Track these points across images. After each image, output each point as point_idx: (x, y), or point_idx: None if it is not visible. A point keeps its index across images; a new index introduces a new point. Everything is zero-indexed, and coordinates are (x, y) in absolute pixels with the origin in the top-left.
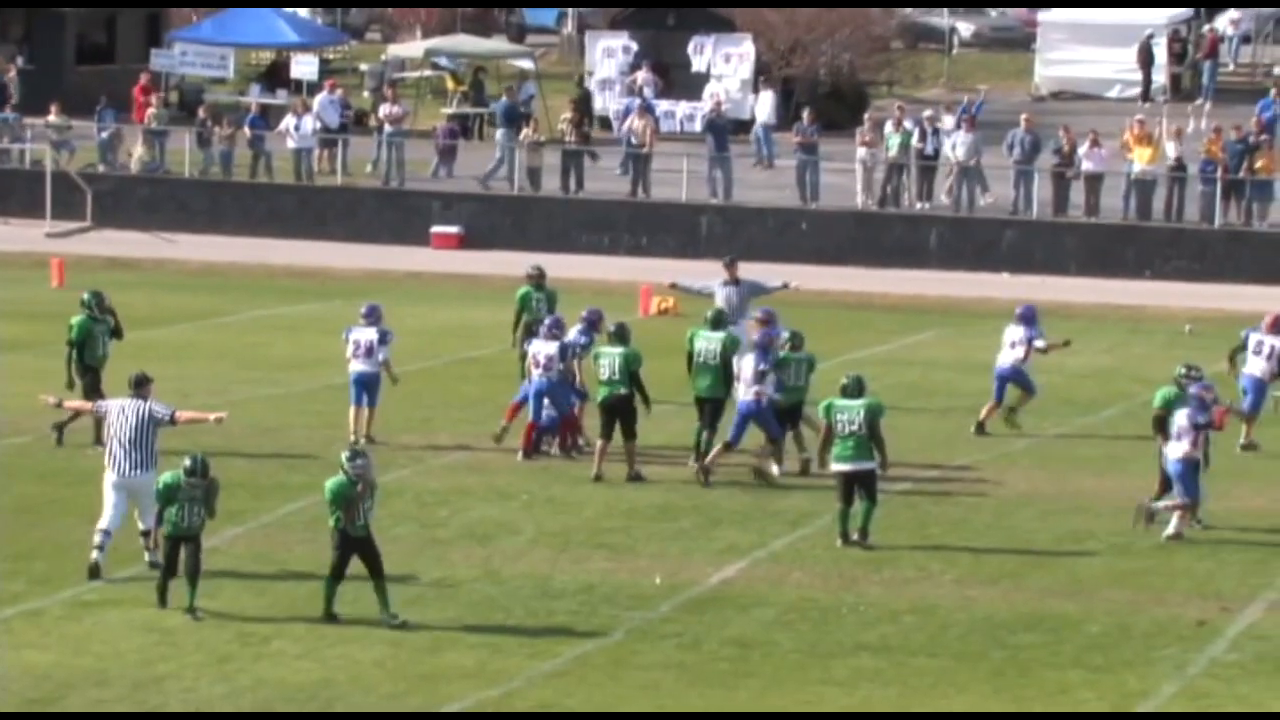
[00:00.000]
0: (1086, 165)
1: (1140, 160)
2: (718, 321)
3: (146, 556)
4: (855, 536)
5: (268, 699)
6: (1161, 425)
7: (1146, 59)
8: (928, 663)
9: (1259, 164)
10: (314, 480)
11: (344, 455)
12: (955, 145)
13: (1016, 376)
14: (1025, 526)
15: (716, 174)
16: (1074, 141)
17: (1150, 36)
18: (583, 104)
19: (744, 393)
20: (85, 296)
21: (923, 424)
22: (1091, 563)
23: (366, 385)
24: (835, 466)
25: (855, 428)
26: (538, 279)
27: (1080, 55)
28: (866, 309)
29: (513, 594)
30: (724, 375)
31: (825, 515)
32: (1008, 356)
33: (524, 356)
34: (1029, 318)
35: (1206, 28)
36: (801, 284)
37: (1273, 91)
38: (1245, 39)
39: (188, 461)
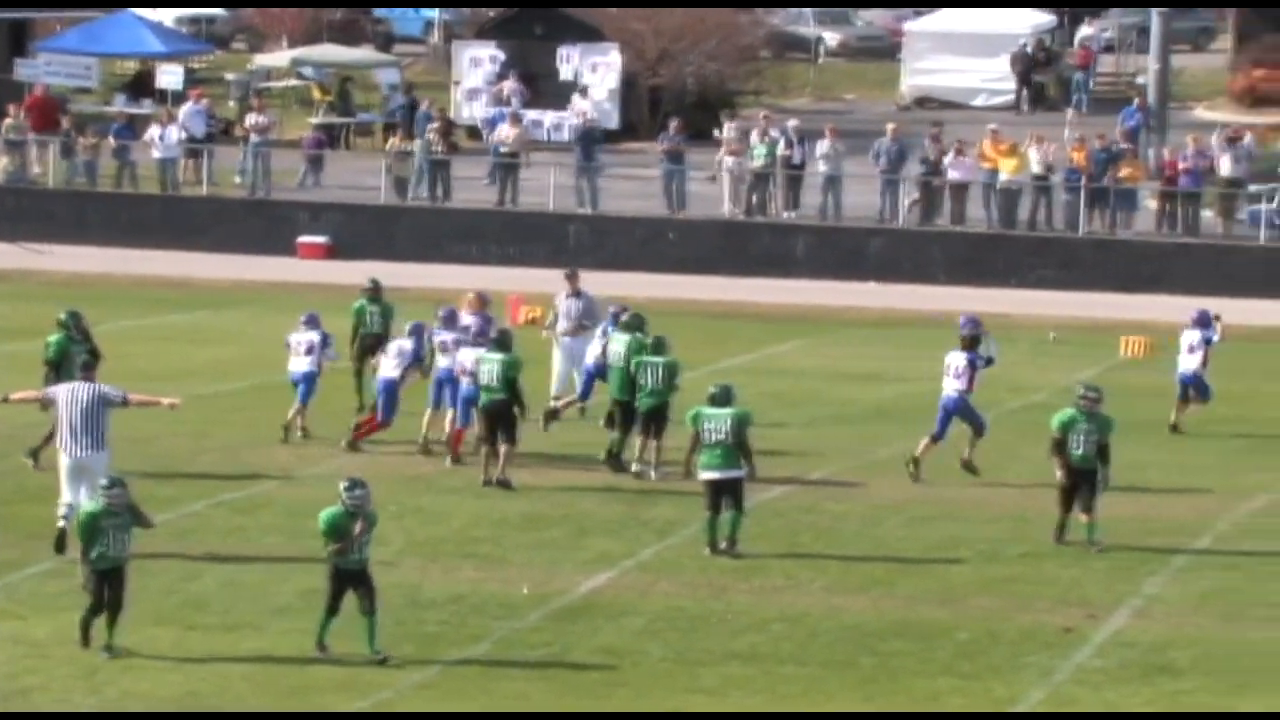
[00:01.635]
0: (952, 174)
1: (1005, 169)
2: (630, 326)
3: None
4: (723, 545)
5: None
6: (1060, 448)
7: (1022, 68)
8: (796, 671)
9: (1123, 172)
10: (182, 492)
11: (342, 486)
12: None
13: (1196, 382)
14: (894, 534)
15: (584, 184)
16: (941, 150)
17: (1025, 45)
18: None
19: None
20: (63, 316)
21: (791, 433)
22: (960, 570)
23: (307, 382)
24: (703, 475)
25: (723, 436)
26: (372, 292)
27: (945, 64)
28: (734, 318)
29: (382, 604)
30: (627, 379)
31: (693, 524)
32: (1189, 362)
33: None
34: (1204, 321)
35: (1078, 38)
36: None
37: (1136, 100)
38: (1108, 48)
39: (103, 480)
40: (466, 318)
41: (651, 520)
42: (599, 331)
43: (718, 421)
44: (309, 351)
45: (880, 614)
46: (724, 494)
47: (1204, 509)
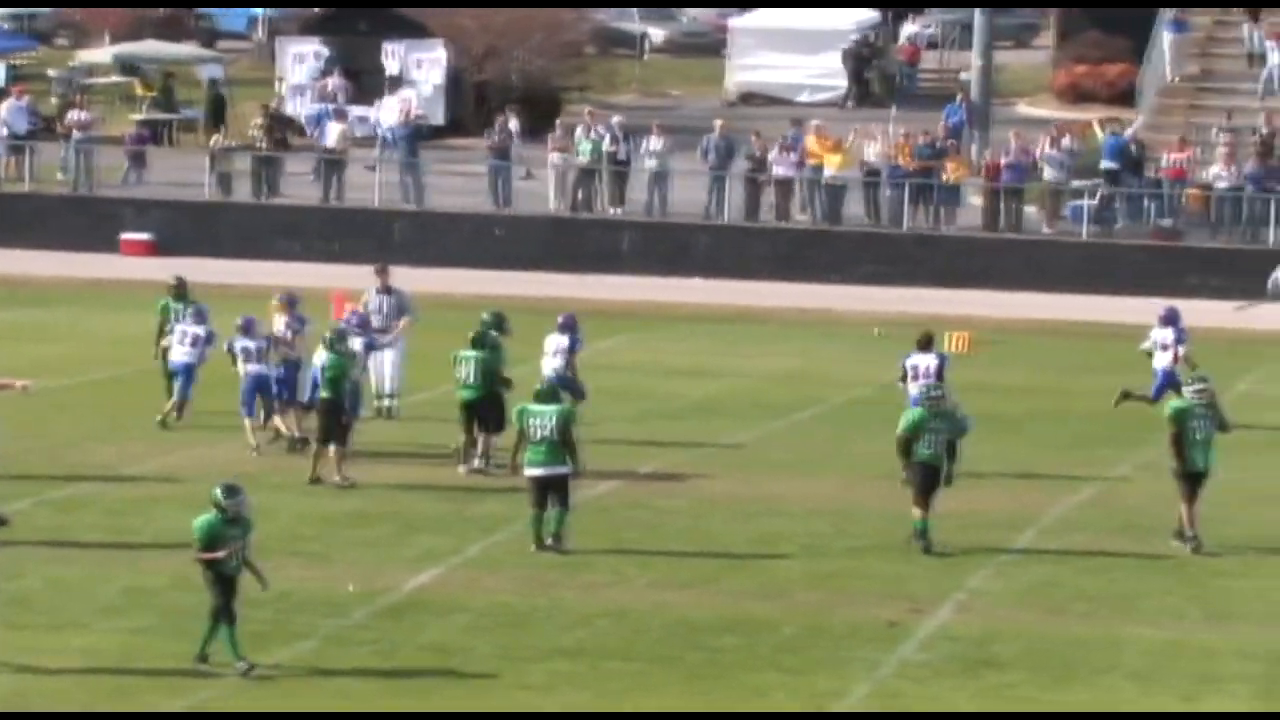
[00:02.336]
0: (777, 170)
1: (830, 165)
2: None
3: None
4: (549, 541)
5: None
6: (907, 449)
7: (852, 64)
8: (623, 666)
9: (947, 169)
10: (5, 490)
11: (218, 491)
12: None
13: (1172, 379)
14: (719, 530)
15: (409, 180)
16: (765, 147)
17: (856, 41)
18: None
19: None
20: None
21: (618, 428)
22: (786, 565)
23: (186, 373)
24: (528, 471)
25: (548, 433)
26: (178, 289)
27: (770, 61)
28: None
29: (207, 602)
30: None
31: (520, 520)
32: (1163, 359)
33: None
34: (1173, 318)
35: (905, 36)
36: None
37: (959, 97)
38: (932, 45)
39: None
40: (279, 322)
41: (478, 517)
42: None
43: (543, 418)
44: (194, 344)
45: (706, 609)
46: (549, 490)
47: (1027, 503)
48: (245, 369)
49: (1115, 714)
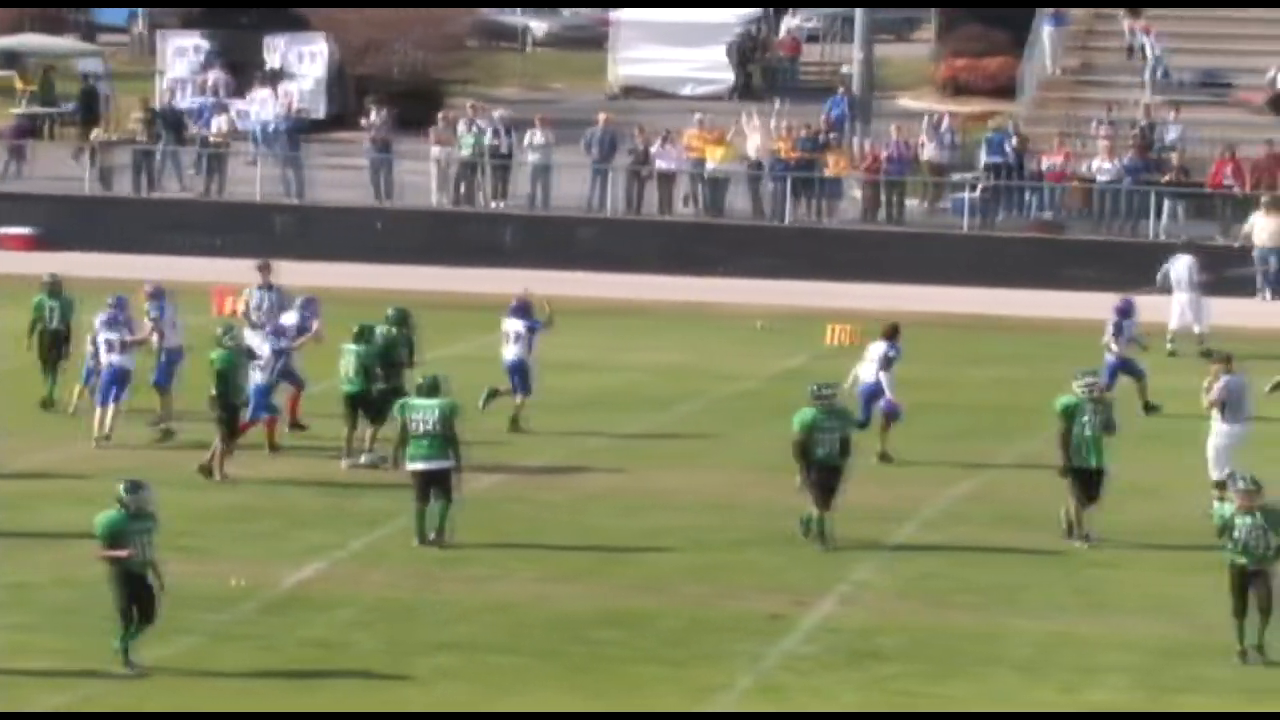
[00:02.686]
0: (660, 164)
1: (713, 158)
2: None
3: None
4: (433, 536)
5: None
6: (804, 448)
7: (737, 58)
8: (507, 660)
9: (829, 162)
10: None
11: (122, 487)
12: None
13: (1128, 365)
14: (603, 523)
15: (290, 173)
16: (648, 140)
17: (739, 35)
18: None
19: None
20: None
21: (501, 422)
22: (669, 558)
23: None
24: (411, 466)
25: (431, 427)
26: (52, 287)
27: (654, 54)
28: (445, 308)
29: (90, 598)
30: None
31: (403, 515)
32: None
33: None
34: (1128, 309)
35: (785, 27)
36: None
37: (841, 90)
38: (814, 38)
39: None
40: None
41: (361, 511)
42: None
43: (425, 412)
44: (123, 350)
45: (589, 603)
46: (432, 485)
47: (910, 495)
48: (108, 360)
49: (999, 714)
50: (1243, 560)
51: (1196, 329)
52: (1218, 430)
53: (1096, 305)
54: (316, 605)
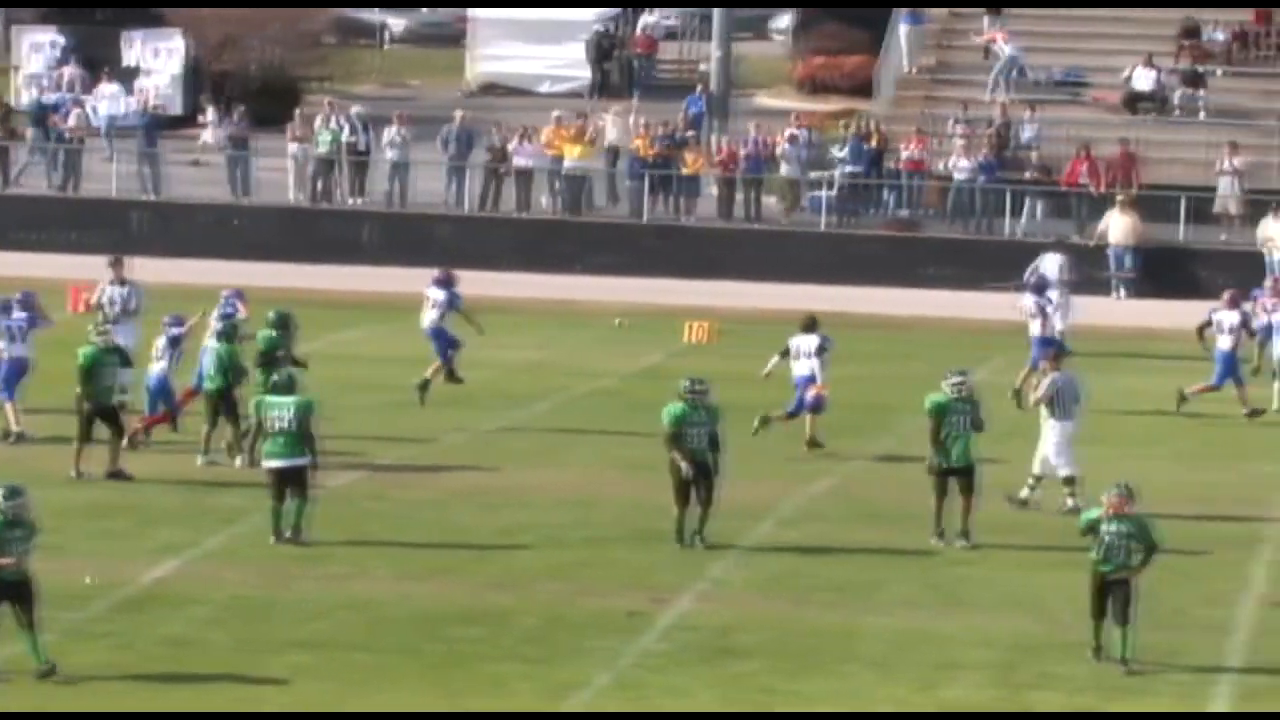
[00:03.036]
0: (518, 161)
1: (571, 156)
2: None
3: None
4: (289, 533)
5: None
6: (677, 441)
7: (595, 55)
8: (364, 658)
9: (687, 159)
10: None
11: None
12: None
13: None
14: (461, 521)
15: (146, 170)
16: (506, 137)
17: (597, 32)
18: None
19: None
20: None
21: (362, 419)
22: (527, 555)
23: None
24: (267, 464)
25: (286, 424)
26: None
27: (512, 51)
28: (301, 305)
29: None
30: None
31: (260, 512)
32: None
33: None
34: (1042, 286)
35: (642, 24)
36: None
37: (699, 88)
38: (671, 35)
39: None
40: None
41: (218, 509)
42: None
43: (281, 409)
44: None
45: (448, 600)
46: (288, 482)
47: (767, 493)
48: (8, 352)
49: (855, 713)
50: (1105, 568)
51: (1058, 326)
52: (1049, 427)
53: (953, 303)
54: (172, 603)
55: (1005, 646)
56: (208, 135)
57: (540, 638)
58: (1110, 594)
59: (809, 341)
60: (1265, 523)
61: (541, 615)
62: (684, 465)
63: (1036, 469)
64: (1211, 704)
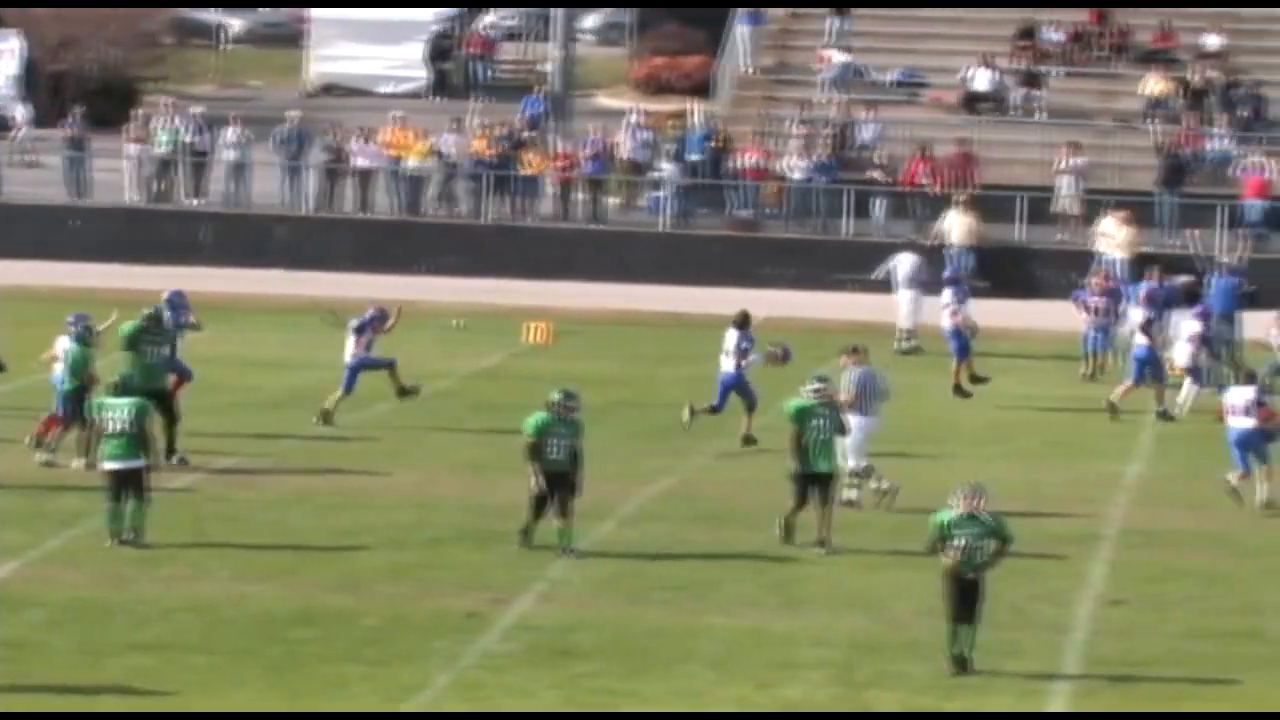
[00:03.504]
0: (358, 161)
1: (411, 156)
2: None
3: None
4: (128, 535)
5: None
6: (535, 451)
7: (433, 55)
8: (203, 659)
9: (527, 160)
10: None
11: None
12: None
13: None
14: (300, 523)
15: None
16: (344, 137)
17: (437, 33)
18: None
19: None
20: None
21: (201, 421)
22: (367, 557)
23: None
24: (105, 465)
25: (124, 426)
26: None
27: (352, 51)
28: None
29: None
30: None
31: (97, 515)
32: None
33: None
34: (958, 281)
35: (482, 25)
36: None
37: (538, 88)
38: (511, 36)
39: None
40: None
41: (57, 511)
42: None
43: (118, 411)
44: None
45: (287, 602)
46: (126, 484)
47: (607, 493)
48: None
49: (693, 714)
50: (966, 569)
51: (905, 325)
52: (851, 423)
53: (792, 303)
54: (9, 605)
55: (844, 646)
56: (22, 134)
57: (380, 639)
58: (966, 594)
59: (732, 339)
60: (1103, 521)
61: (382, 616)
62: (534, 480)
63: (850, 465)
64: (1049, 703)
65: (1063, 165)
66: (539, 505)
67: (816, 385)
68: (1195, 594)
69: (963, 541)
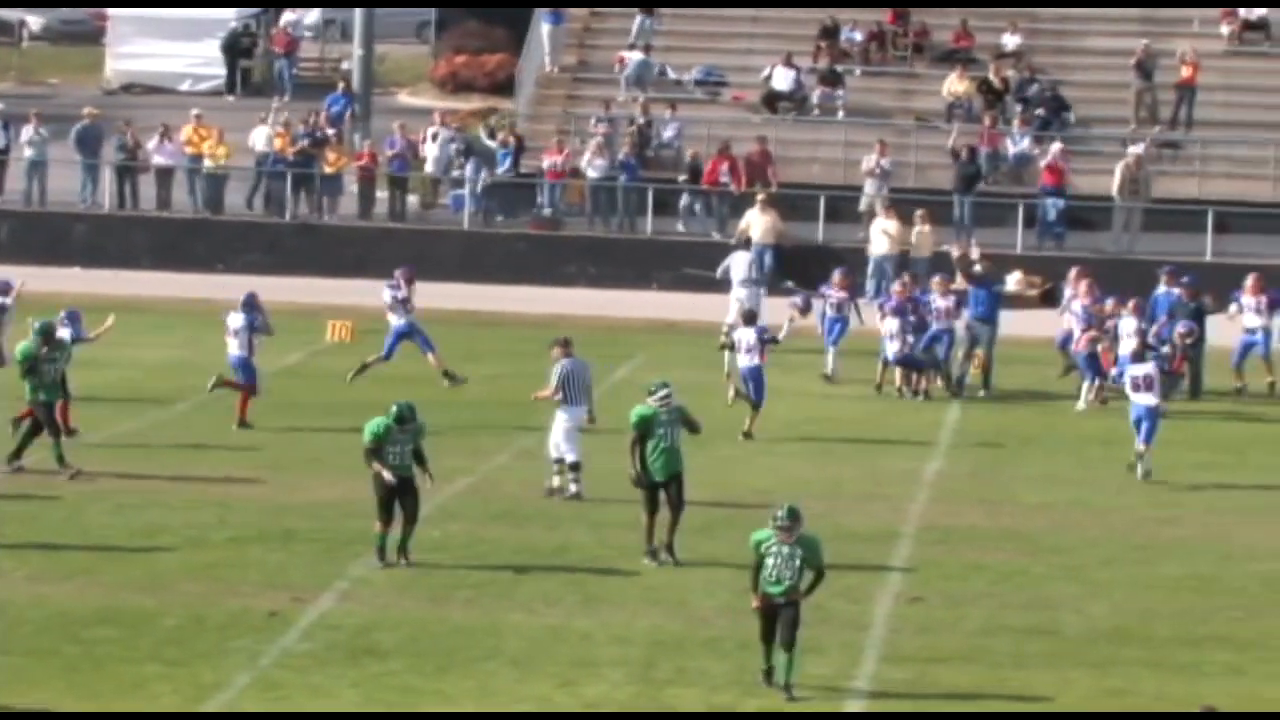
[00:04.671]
0: (157, 159)
1: (211, 154)
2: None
3: None
4: None
5: None
6: (377, 455)
7: (231, 52)
8: (0, 660)
9: (329, 158)
10: None
11: None
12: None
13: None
14: (99, 522)
15: None
16: (138, 135)
17: (236, 31)
18: None
19: None
20: None
21: None
22: (167, 557)
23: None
24: None
25: None
26: None
27: (151, 49)
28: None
29: None
30: None
31: None
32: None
33: None
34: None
35: (284, 22)
36: None
37: (341, 86)
38: (313, 34)
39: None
40: None
41: None
42: None
43: None
44: None
45: (85, 601)
46: None
47: None
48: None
49: (498, 714)
50: (775, 589)
51: (730, 320)
52: (558, 414)
53: (595, 301)
54: None
55: (644, 643)
56: None
57: (180, 639)
58: (779, 616)
59: (748, 335)
60: (901, 518)
61: (182, 616)
62: (386, 474)
63: (552, 454)
64: (848, 701)
65: (871, 165)
66: (389, 509)
67: (662, 393)
68: (991, 591)
69: (775, 562)
